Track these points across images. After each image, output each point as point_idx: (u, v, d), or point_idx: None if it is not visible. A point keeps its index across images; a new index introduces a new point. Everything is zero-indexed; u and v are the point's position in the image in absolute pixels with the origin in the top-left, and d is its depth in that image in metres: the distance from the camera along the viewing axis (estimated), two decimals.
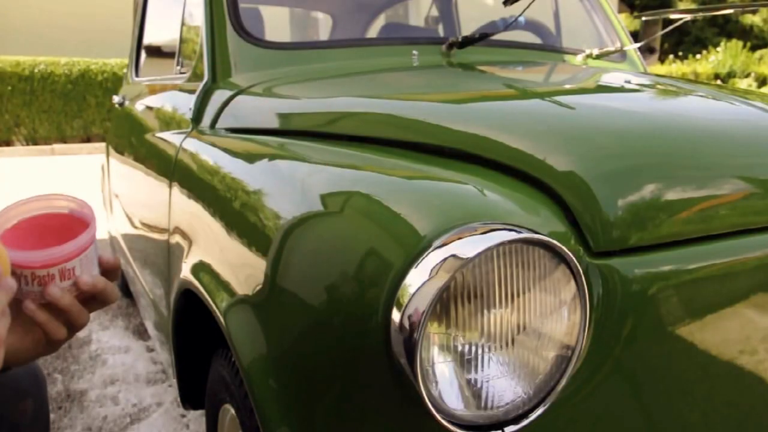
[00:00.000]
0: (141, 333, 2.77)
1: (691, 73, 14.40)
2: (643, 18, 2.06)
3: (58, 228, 0.78)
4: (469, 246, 0.72)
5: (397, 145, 1.07)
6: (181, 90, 1.84)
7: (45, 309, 0.75)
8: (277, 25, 2.08)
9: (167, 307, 1.53)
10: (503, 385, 0.77)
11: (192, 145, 1.47)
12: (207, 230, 1.20)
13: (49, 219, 0.79)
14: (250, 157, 1.20)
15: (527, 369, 0.78)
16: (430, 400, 0.72)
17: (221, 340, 1.15)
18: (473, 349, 0.76)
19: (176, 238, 1.43)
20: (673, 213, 0.86)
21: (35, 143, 10.40)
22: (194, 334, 1.37)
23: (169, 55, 2.05)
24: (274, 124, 1.37)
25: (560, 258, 0.75)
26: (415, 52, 1.77)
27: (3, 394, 1.00)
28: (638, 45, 2.05)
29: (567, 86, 1.41)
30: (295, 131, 1.29)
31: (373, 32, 2.39)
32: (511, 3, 1.58)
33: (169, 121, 1.84)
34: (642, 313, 0.82)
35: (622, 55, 2.06)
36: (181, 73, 1.88)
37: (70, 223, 0.78)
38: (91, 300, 0.79)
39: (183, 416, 2.06)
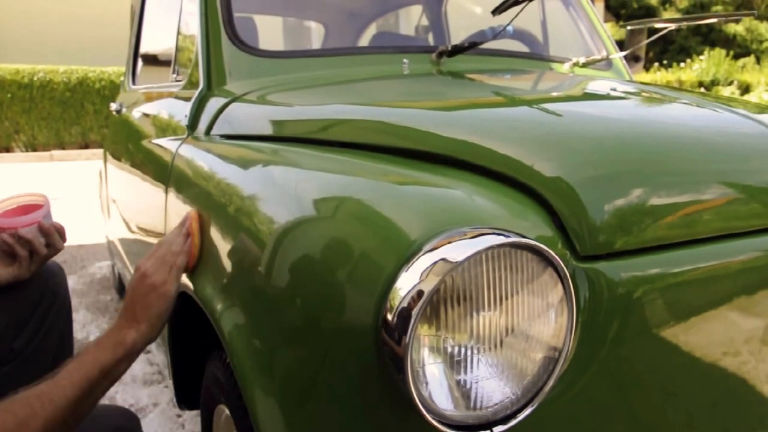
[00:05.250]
0: None
1: (675, 81, 14.47)
2: (629, 27, 2.08)
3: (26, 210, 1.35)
4: (458, 250, 0.73)
5: (388, 151, 1.08)
6: (177, 97, 1.85)
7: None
8: (270, 34, 2.10)
9: None
10: (492, 386, 0.78)
11: (187, 151, 1.48)
12: (202, 234, 1.21)
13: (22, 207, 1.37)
14: (245, 163, 1.21)
15: (515, 370, 0.79)
16: (420, 401, 0.72)
17: (216, 342, 1.15)
18: (463, 350, 0.77)
19: None
20: (658, 218, 0.87)
21: (34, 150, 10.43)
22: (190, 336, 1.38)
23: (166, 63, 2.06)
24: (268, 130, 1.38)
25: (547, 262, 0.76)
26: (405, 60, 1.78)
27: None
28: (624, 53, 2.07)
29: (554, 94, 1.42)
30: (288, 138, 1.30)
31: (364, 41, 2.40)
32: (500, 12, 1.59)
33: (165, 128, 1.85)
34: (628, 316, 0.83)
35: (608, 63, 2.07)
36: (177, 80, 1.89)
37: (32, 208, 1.35)
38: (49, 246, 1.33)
39: (179, 416, 2.07)
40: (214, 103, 1.58)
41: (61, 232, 1.35)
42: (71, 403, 0.93)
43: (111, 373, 1.00)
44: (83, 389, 0.95)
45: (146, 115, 2.18)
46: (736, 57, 17.81)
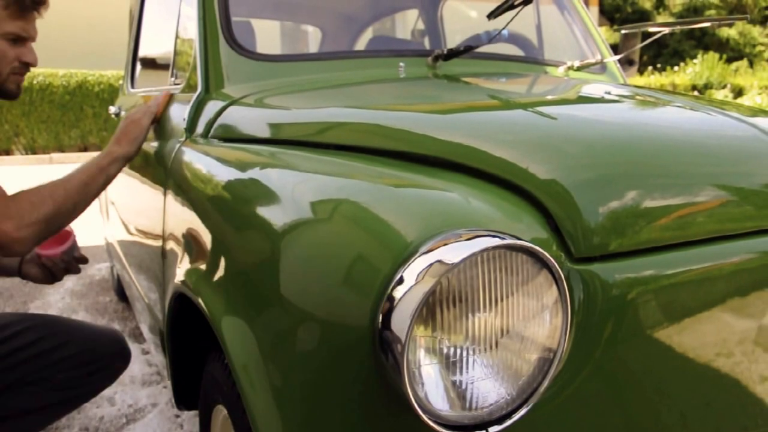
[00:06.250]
0: (137, 336, 2.78)
1: (669, 85, 14.56)
2: (623, 31, 2.09)
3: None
4: (454, 252, 0.73)
5: (384, 154, 1.09)
6: (176, 100, 1.86)
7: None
8: (268, 37, 2.11)
9: (162, 310, 1.55)
10: (487, 386, 0.78)
11: (186, 153, 1.49)
12: (200, 236, 1.21)
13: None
14: (242, 166, 1.21)
15: (511, 371, 0.79)
16: (416, 401, 0.73)
17: (214, 342, 1.16)
18: (458, 351, 0.77)
19: (170, 244, 1.44)
20: (652, 220, 0.88)
21: (34, 152, 10.48)
22: (188, 337, 1.39)
23: (164, 66, 2.07)
24: (265, 133, 1.38)
25: (542, 263, 0.77)
26: (401, 64, 1.79)
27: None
28: (618, 57, 2.08)
29: (549, 97, 1.42)
30: (285, 140, 1.31)
31: (361, 45, 2.40)
32: (495, 16, 1.60)
33: (163, 131, 1.86)
34: (622, 317, 0.84)
35: (602, 67, 2.08)
36: (176, 84, 1.90)
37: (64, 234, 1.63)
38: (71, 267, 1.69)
39: (177, 416, 2.08)
40: (212, 106, 1.59)
41: (82, 260, 1.71)
42: (77, 188, 1.41)
43: (105, 171, 1.48)
44: (85, 181, 1.43)
45: None
46: (729, 60, 17.98)
